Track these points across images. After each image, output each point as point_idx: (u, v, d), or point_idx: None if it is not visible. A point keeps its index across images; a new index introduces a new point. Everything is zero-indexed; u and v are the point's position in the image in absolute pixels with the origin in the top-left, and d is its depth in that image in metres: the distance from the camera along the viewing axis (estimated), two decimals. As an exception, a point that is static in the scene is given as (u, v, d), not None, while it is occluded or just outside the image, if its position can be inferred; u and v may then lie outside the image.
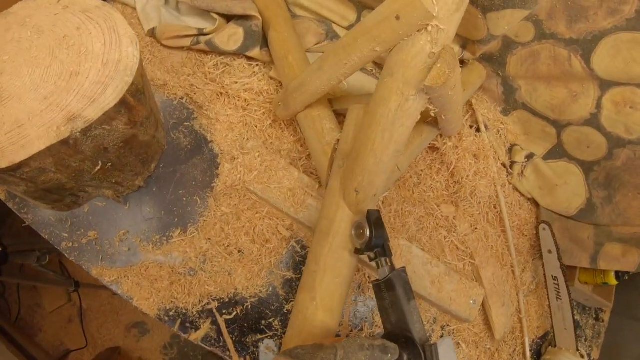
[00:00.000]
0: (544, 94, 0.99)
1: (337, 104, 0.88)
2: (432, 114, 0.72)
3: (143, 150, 0.83)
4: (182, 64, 0.93)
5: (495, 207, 1.03)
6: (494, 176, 1.00)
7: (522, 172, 1.06)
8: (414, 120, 0.67)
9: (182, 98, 0.92)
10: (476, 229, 1.00)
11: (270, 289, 0.89)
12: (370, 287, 0.93)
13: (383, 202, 0.93)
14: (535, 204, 1.09)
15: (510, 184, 1.05)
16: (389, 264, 0.66)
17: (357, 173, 0.72)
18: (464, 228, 0.98)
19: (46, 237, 0.85)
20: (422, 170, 0.98)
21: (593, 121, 0.97)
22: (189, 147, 0.90)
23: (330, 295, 0.75)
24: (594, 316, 1.25)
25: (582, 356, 1.07)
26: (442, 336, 0.97)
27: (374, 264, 0.68)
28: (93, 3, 0.72)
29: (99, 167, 0.76)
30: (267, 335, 0.88)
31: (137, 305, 0.84)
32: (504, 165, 1.06)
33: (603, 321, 1.27)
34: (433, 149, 1.00)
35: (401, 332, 0.62)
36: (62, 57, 0.68)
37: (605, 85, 0.93)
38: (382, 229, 0.67)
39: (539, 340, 1.14)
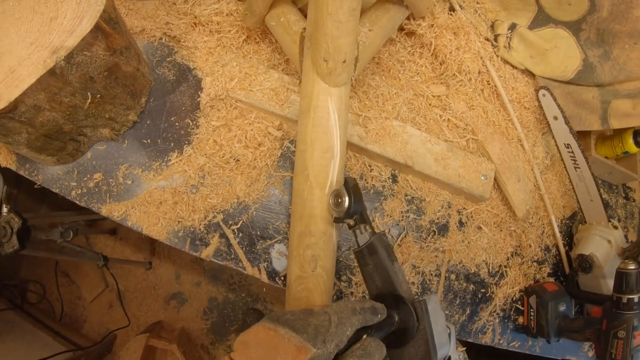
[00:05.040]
0: (510, -41, 0.98)
1: (300, 2, 0.90)
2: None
3: (129, 82, 0.87)
4: (156, 8, 0.98)
5: (488, 83, 1.01)
6: (478, 50, 0.98)
7: (509, 44, 1.03)
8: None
9: (160, 38, 0.97)
10: (473, 106, 0.98)
11: (272, 192, 0.89)
12: (377, 169, 0.92)
13: (369, 86, 0.92)
14: (531, 75, 1.05)
15: (498, 56, 1.03)
16: (369, 230, 0.67)
17: (322, 41, 0.73)
18: (460, 107, 0.96)
19: (57, 190, 0.89)
20: (403, 57, 0.98)
21: (566, -27, 0.95)
22: (174, 78, 0.95)
23: (323, 171, 0.75)
24: (623, 195, 1.18)
25: (615, 227, 1.00)
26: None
27: (353, 231, 0.68)
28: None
29: (89, 100, 0.81)
30: (276, 239, 0.88)
31: (147, 232, 0.87)
32: (487, 39, 1.04)
33: (634, 200, 1.19)
34: (410, 34, 1.00)
35: (389, 293, 0.63)
36: (42, 10, 0.75)
37: None
38: (360, 195, 0.68)
39: (567, 221, 1.08)
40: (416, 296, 0.70)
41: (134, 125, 0.92)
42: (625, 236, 1.17)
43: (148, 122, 0.92)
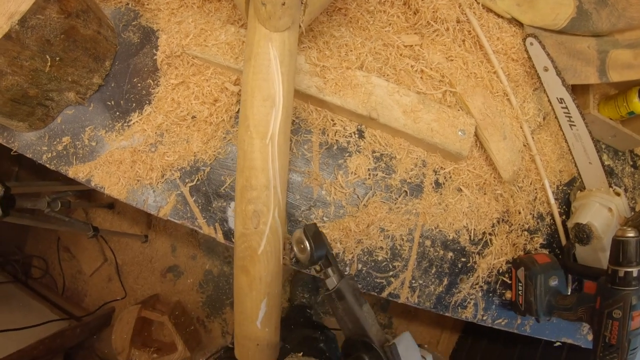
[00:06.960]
0: None
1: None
2: None
3: (90, 45, 0.88)
4: (121, -26, 0.99)
5: (469, 33, 0.91)
6: (455, -4, 0.90)
7: (492, -11, 0.94)
8: None
9: (127, 3, 0.97)
10: (451, 57, 0.89)
11: (229, 148, 0.86)
12: (341, 123, 0.87)
13: (332, 36, 0.87)
14: (519, 24, 0.95)
15: (479, 4, 0.93)
16: (336, 273, 0.68)
17: (258, -17, 0.69)
18: (436, 58, 0.88)
19: (30, 155, 0.92)
20: (373, 7, 0.91)
21: None
22: (139, 41, 0.94)
23: (263, 120, 0.71)
24: (631, 163, 1.04)
25: (617, 194, 0.88)
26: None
27: (321, 275, 0.68)
28: None
29: (49, 63, 0.82)
30: (232, 197, 0.85)
31: (109, 192, 0.87)
32: (467, -15, 0.95)
33: (643, 168, 1.04)
34: (380, -17, 0.93)
35: (359, 338, 0.64)
36: (3, -18, 0.79)
37: None
38: (322, 240, 0.67)
39: (565, 188, 0.97)
40: (387, 334, 0.68)
41: (99, 89, 0.92)
42: (633, 208, 1.03)
43: (112, 85, 0.92)
